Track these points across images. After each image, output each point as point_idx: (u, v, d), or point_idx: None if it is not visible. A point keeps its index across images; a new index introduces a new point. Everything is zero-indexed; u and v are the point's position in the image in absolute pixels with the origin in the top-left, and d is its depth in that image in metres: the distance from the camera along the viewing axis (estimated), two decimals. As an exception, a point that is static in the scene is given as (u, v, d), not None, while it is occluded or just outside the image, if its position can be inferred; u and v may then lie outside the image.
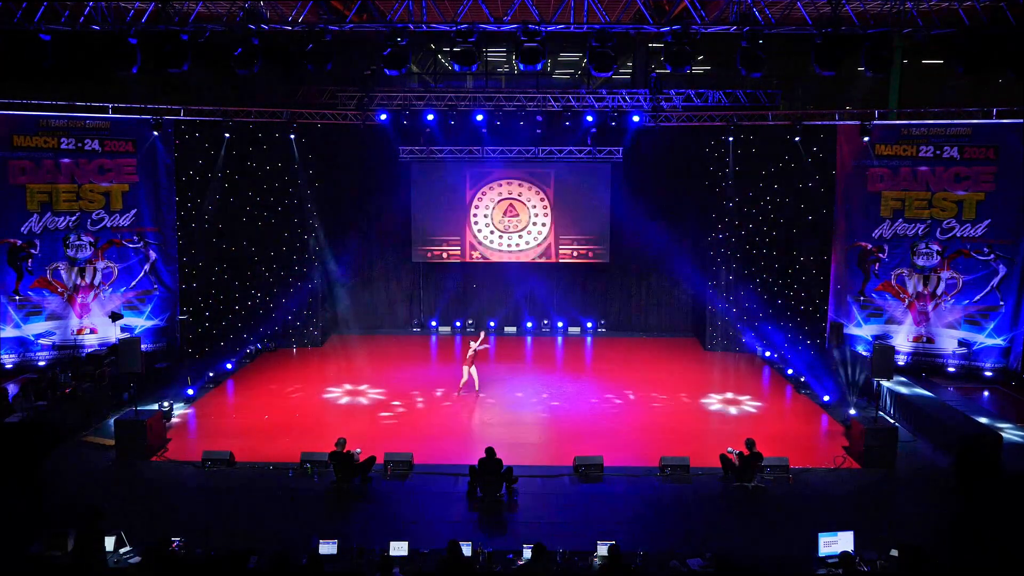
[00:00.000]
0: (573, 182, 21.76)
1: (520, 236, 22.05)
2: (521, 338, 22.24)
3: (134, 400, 14.05)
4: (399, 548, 9.08)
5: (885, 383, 15.13)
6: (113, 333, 17.00)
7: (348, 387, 17.25)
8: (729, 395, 16.84)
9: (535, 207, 21.96)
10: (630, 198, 21.65)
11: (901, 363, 17.19)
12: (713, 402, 16.41)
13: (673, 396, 16.81)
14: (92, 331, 17.95)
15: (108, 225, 18.04)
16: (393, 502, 11.54)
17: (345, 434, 12.23)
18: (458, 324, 22.60)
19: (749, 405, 16.27)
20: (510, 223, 22.01)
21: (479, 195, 21.97)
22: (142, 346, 14.65)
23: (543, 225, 22.01)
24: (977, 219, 17.31)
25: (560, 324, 22.62)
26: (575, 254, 22.20)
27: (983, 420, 13.56)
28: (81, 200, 17.71)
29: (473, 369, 16.42)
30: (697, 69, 20.93)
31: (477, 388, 16.61)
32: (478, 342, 16.51)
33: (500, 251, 22.15)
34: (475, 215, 22.00)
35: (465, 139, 20.43)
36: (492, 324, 22.52)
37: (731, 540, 10.27)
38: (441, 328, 22.59)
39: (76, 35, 11.41)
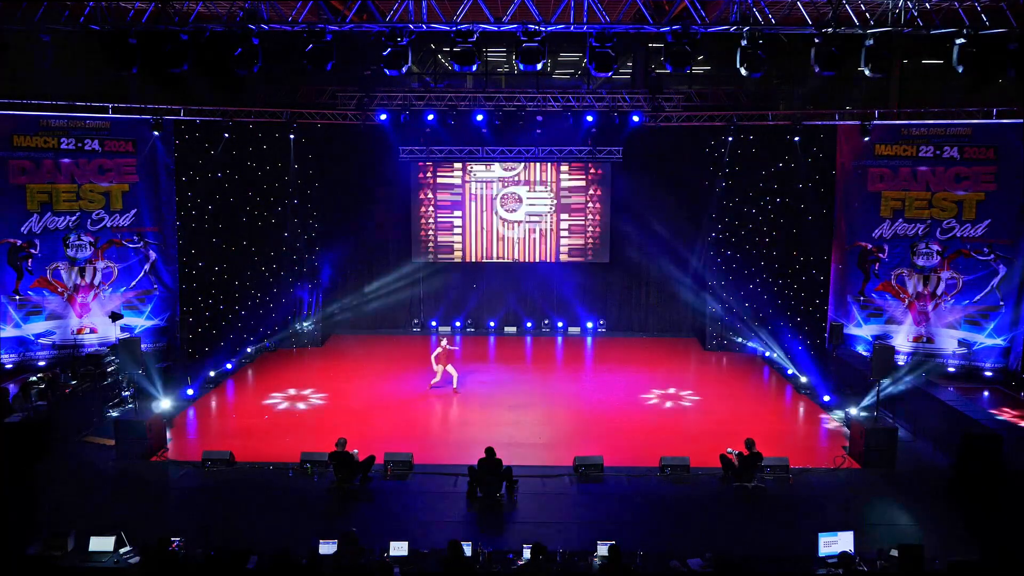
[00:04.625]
0: (573, 182, 21.78)
1: (520, 236, 22.06)
2: (521, 338, 22.23)
3: (134, 400, 14.05)
4: (399, 548, 9.09)
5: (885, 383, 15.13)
6: (113, 333, 16.99)
7: (348, 387, 17.26)
8: (729, 395, 16.84)
9: (535, 207, 21.96)
10: (630, 198, 21.66)
11: (901, 363, 17.19)
12: (713, 402, 16.41)
13: (673, 396, 16.80)
14: (92, 331, 17.95)
15: (108, 225, 18.04)
16: (393, 502, 11.54)
17: (345, 434, 12.23)
18: (458, 324, 22.60)
19: (749, 405, 16.27)
20: (510, 223, 22.02)
21: (479, 195, 21.97)
22: (142, 346, 14.65)
23: (543, 225, 22.02)
24: (977, 219, 17.31)
25: (560, 324, 22.61)
26: (575, 254, 22.21)
27: (983, 420, 13.53)
28: (81, 200, 17.71)
29: (449, 367, 16.76)
30: (697, 69, 20.91)
31: (455, 386, 16.82)
32: (446, 341, 17.00)
33: (500, 251, 22.15)
34: (475, 215, 22.00)
35: (465, 139, 20.46)
36: (492, 324, 22.52)
37: (731, 540, 10.28)
38: (441, 328, 22.57)
39: (76, 35, 11.40)
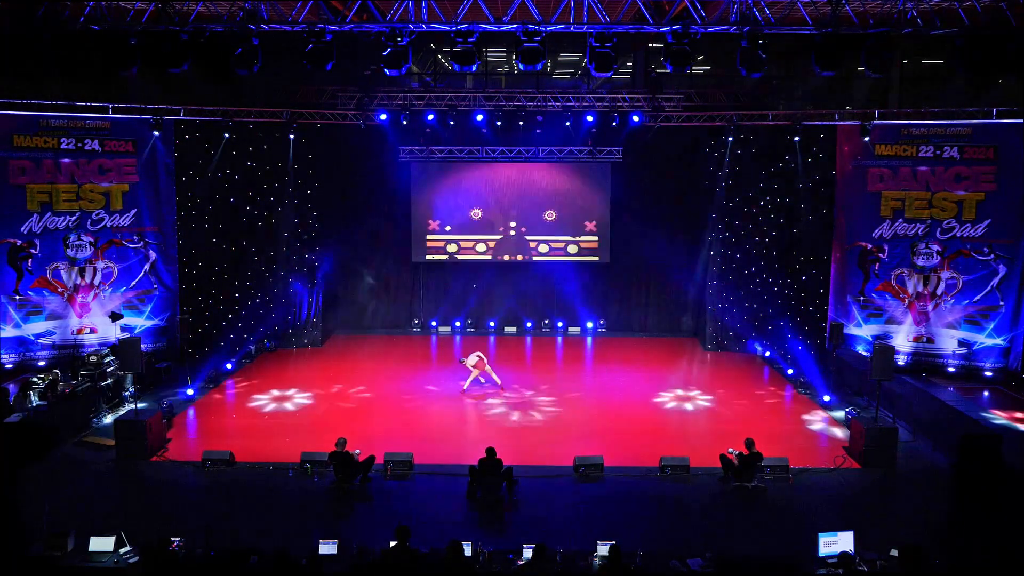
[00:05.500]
0: (573, 182, 21.79)
1: (520, 236, 22.07)
2: (521, 338, 22.24)
3: (134, 400, 14.04)
4: (399, 548, 9.06)
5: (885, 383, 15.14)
6: (113, 333, 17.00)
7: (348, 387, 17.27)
8: (729, 395, 16.84)
9: (535, 207, 21.96)
10: (630, 198, 21.69)
11: (901, 363, 17.20)
12: (713, 402, 16.41)
13: (673, 396, 16.80)
14: (92, 331, 17.94)
15: (108, 225, 18.04)
16: (393, 502, 11.53)
17: (345, 434, 12.23)
18: (458, 324, 22.61)
19: (749, 405, 16.27)
20: (510, 223, 22.02)
21: (479, 195, 21.97)
22: (142, 346, 14.65)
23: (543, 225, 22.02)
24: (977, 219, 17.31)
25: (560, 324, 22.61)
26: (575, 254, 22.21)
27: (983, 420, 13.55)
28: (81, 200, 17.71)
29: (486, 368, 16.76)
30: (697, 69, 20.92)
31: (465, 386, 16.81)
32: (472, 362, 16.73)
33: (500, 251, 22.16)
34: (475, 215, 22.01)
35: (465, 139, 20.47)
36: (492, 324, 22.53)
37: (731, 540, 10.28)
38: (441, 328, 22.59)
39: (76, 35, 11.40)
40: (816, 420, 15.44)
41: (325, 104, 19.53)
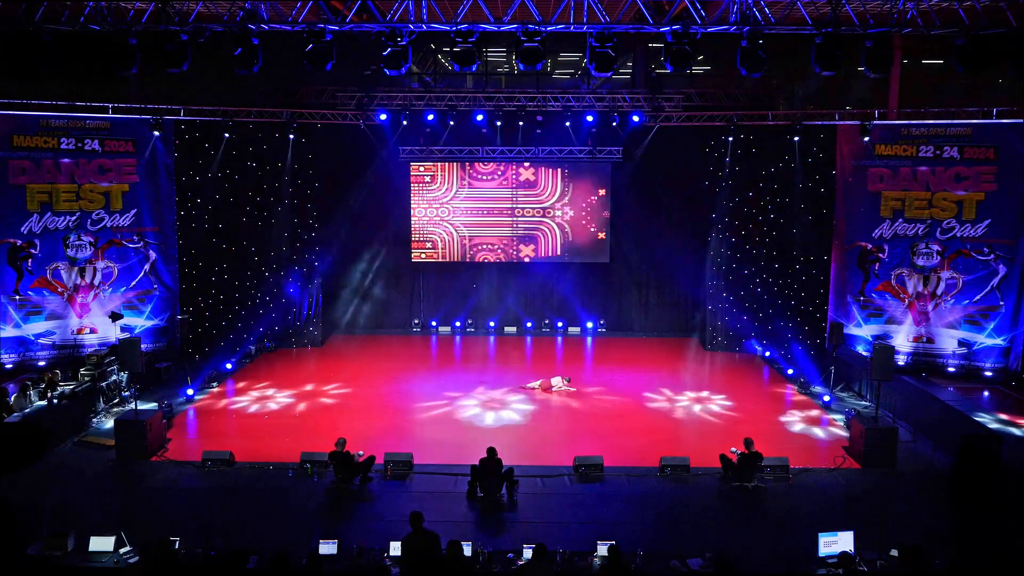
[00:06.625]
0: (573, 182, 21.79)
1: (520, 236, 22.07)
2: (521, 338, 22.24)
3: (134, 400, 14.05)
4: (399, 548, 9.07)
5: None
6: (113, 333, 16.99)
7: (348, 387, 17.27)
8: (729, 395, 16.83)
9: (535, 207, 21.97)
10: (630, 198, 21.70)
11: (901, 363, 17.19)
12: (713, 402, 16.41)
13: (673, 396, 16.81)
14: (92, 331, 17.93)
15: (108, 225, 18.02)
16: (393, 502, 11.53)
17: (345, 434, 12.23)
18: (458, 324, 22.61)
19: (749, 405, 16.26)
20: (511, 223, 22.02)
21: (479, 195, 21.97)
22: (142, 346, 14.65)
23: (543, 225, 22.03)
24: (977, 219, 17.29)
25: (560, 324, 22.61)
26: (575, 254, 22.21)
27: (983, 420, 13.55)
28: (81, 200, 17.69)
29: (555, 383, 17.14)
30: (697, 69, 20.94)
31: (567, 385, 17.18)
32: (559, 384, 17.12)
33: (500, 251, 22.16)
34: (475, 215, 22.00)
35: (465, 139, 20.47)
36: (492, 324, 22.52)
37: (731, 540, 10.27)
38: (441, 328, 22.59)
39: (76, 35, 11.40)
40: (816, 420, 15.44)
41: (325, 104, 19.54)
